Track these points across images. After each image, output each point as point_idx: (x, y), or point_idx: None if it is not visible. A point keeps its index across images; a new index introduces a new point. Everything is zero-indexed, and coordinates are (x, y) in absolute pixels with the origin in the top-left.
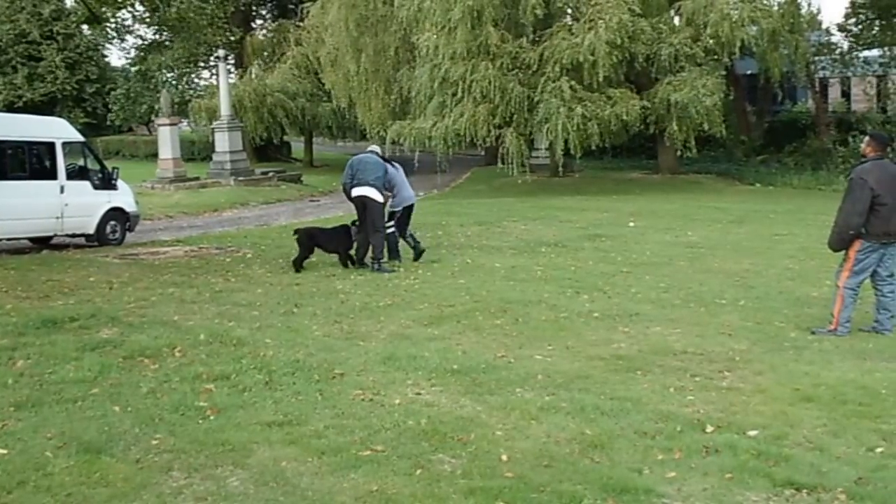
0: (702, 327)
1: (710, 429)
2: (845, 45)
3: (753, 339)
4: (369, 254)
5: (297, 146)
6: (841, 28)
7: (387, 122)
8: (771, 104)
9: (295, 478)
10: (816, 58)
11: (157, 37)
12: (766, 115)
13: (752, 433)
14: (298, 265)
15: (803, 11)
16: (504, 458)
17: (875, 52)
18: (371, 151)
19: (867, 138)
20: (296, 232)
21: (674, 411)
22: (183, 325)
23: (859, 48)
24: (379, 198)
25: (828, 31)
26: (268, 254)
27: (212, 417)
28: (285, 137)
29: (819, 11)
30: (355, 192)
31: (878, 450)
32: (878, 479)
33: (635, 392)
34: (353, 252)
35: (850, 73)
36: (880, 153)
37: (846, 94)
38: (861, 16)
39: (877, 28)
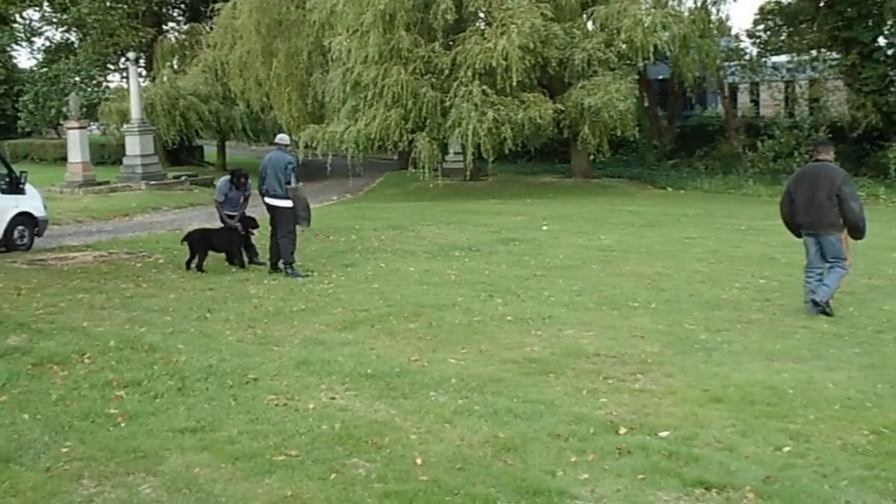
0: (614, 330)
1: (622, 430)
2: (754, 52)
3: (665, 341)
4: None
5: (210, 150)
6: (750, 34)
7: (302, 125)
8: (682, 109)
9: (208, 484)
10: (726, 63)
11: (66, 38)
12: (677, 120)
13: (664, 434)
14: (199, 267)
15: (713, 17)
16: (418, 461)
17: (783, 58)
18: (278, 144)
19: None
20: (187, 235)
21: (587, 413)
22: (93, 332)
23: (767, 54)
24: (285, 203)
25: (737, 38)
26: (180, 259)
27: (123, 424)
28: (198, 141)
29: (728, 18)
30: (265, 200)
31: (786, 449)
32: (785, 478)
33: (548, 395)
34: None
35: (758, 79)
36: (822, 157)
37: (755, 100)
38: (769, 22)
39: (784, 34)
